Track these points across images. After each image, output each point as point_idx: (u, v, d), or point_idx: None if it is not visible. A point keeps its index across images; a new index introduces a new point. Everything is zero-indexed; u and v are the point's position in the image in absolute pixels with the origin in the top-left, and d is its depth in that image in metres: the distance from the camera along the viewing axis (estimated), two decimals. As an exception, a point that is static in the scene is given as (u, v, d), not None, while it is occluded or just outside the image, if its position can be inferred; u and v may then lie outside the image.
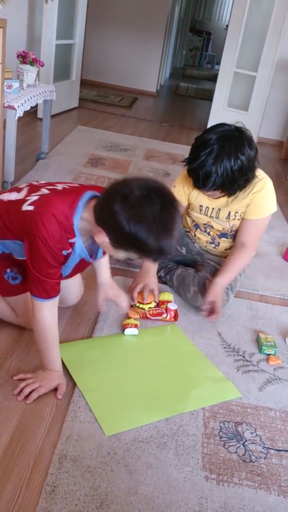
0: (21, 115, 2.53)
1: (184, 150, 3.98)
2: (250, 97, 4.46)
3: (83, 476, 1.11)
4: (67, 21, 4.17)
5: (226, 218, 1.80)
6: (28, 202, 1.27)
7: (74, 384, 1.38)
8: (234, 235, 1.86)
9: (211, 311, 1.71)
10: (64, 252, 1.27)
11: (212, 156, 1.54)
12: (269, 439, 1.32)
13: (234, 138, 1.58)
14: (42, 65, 2.93)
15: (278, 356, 1.64)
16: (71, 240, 1.26)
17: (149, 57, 6.30)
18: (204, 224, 1.88)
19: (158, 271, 1.99)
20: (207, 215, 1.83)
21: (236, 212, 1.78)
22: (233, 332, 1.74)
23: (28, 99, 2.61)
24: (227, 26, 4.60)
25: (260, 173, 1.72)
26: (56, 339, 1.33)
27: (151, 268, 1.82)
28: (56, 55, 3.97)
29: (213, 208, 1.80)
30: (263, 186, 1.73)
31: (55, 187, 1.36)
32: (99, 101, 5.25)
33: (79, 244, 1.29)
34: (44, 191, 1.32)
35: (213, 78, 4.85)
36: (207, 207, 1.81)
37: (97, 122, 4.39)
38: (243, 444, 1.29)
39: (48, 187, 1.35)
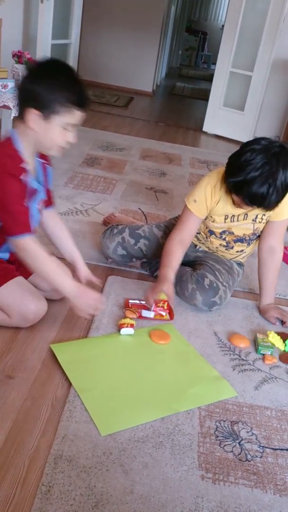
0: (17, 114, 2.52)
1: (180, 150, 3.99)
2: (246, 96, 4.47)
3: (79, 476, 1.11)
4: (62, 21, 4.17)
5: (252, 220, 1.77)
6: None
7: (70, 384, 1.37)
8: (250, 240, 1.85)
9: (284, 322, 1.83)
10: (22, 178, 1.36)
11: (269, 175, 1.49)
12: (265, 438, 1.32)
13: (283, 154, 1.52)
14: (38, 65, 2.92)
15: (274, 355, 1.64)
16: (22, 165, 1.36)
17: (145, 56, 6.31)
18: (222, 231, 1.82)
19: (154, 272, 1.99)
20: (233, 222, 1.77)
21: (264, 214, 1.75)
22: (229, 332, 1.74)
23: (23, 99, 2.60)
24: (223, 26, 4.61)
25: None
26: (55, 262, 1.44)
27: (168, 276, 1.72)
28: (52, 55, 3.97)
29: (239, 215, 1.75)
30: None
31: None
32: (95, 101, 5.25)
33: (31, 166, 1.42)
34: None
35: (209, 78, 4.87)
36: (233, 215, 1.76)
37: (93, 122, 4.38)
38: (239, 443, 1.29)
39: None
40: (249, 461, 1.24)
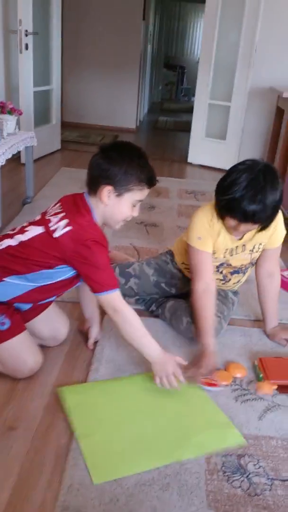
0: (4, 163, 2.58)
1: (167, 182, 4.06)
2: (226, 126, 4.58)
3: (87, 526, 1.09)
4: (43, 68, 4.30)
5: (250, 251, 1.80)
6: (54, 229, 1.40)
7: (72, 431, 1.36)
8: (246, 269, 1.88)
9: None
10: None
11: (258, 189, 1.51)
12: (273, 469, 1.30)
13: (268, 171, 1.56)
14: (21, 114, 3.01)
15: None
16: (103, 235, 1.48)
17: (126, 94, 6.49)
18: (220, 264, 1.83)
19: (149, 306, 2.00)
20: (231, 255, 1.79)
21: (260, 244, 1.78)
22: (227, 361, 1.73)
23: (9, 148, 2.67)
24: (199, 59, 4.76)
25: None
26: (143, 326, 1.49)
27: (209, 346, 1.66)
28: (35, 101, 4.08)
29: (236, 246, 1.77)
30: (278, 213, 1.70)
31: (50, 214, 1.48)
32: (81, 142, 5.36)
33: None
34: (53, 218, 1.44)
35: (191, 110, 4.99)
36: (232, 248, 1.77)
37: (80, 162, 4.46)
38: (246, 477, 1.27)
39: (48, 215, 1.48)
40: (258, 495, 1.22)
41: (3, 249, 1.46)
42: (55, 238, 1.40)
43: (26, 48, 3.83)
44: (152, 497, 1.18)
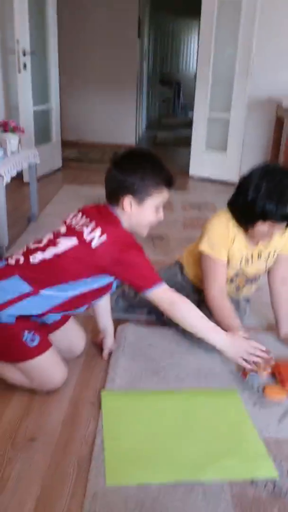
0: (9, 181, 2.61)
1: (170, 196, 4.06)
2: (226, 138, 4.64)
3: (114, 534, 1.08)
4: (41, 87, 4.37)
5: (265, 258, 1.82)
6: (90, 240, 1.41)
7: (93, 441, 1.36)
8: (259, 278, 1.89)
9: None
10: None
11: (285, 184, 1.57)
12: (296, 471, 1.30)
13: (281, 167, 1.64)
14: (23, 132, 3.05)
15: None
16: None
17: (125, 111, 6.58)
18: (235, 275, 1.84)
19: (162, 315, 2.00)
20: (247, 263, 1.80)
21: (275, 250, 1.81)
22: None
23: (13, 165, 2.71)
24: (195, 75, 4.84)
25: None
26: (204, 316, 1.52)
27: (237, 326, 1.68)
28: (35, 120, 4.14)
29: (252, 255, 1.79)
30: None
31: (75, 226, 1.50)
32: (81, 159, 5.42)
33: None
34: (85, 229, 1.44)
35: (188, 124, 5.05)
36: (248, 256, 1.79)
37: (82, 180, 4.51)
38: (270, 480, 1.26)
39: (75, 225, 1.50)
40: (283, 497, 1.22)
41: (37, 262, 1.45)
42: (93, 249, 1.40)
43: (25, 67, 3.90)
44: (177, 501, 1.18)
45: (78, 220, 1.49)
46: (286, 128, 3.80)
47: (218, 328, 1.53)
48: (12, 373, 1.52)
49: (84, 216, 1.50)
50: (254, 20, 4.16)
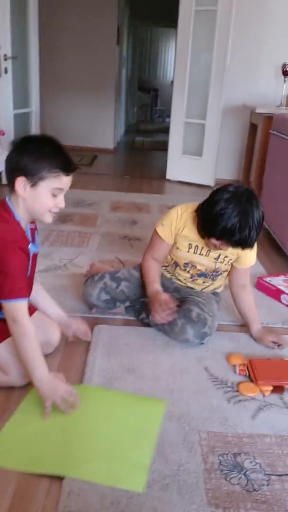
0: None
1: (147, 199, 4.13)
2: (202, 143, 4.71)
3: (90, 529, 1.09)
4: (22, 91, 4.37)
5: (215, 259, 1.88)
6: None
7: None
8: (213, 276, 1.95)
9: (280, 345, 1.90)
10: (26, 249, 1.47)
11: (248, 217, 1.62)
12: (269, 465, 1.32)
13: (251, 195, 1.67)
14: (3, 134, 3.05)
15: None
16: (24, 236, 1.47)
17: (103, 116, 6.61)
18: (185, 263, 1.94)
19: (139, 315, 2.02)
20: (195, 253, 1.89)
21: (226, 256, 1.87)
22: (219, 365, 1.77)
23: (-8, 167, 2.69)
24: (172, 82, 4.90)
25: None
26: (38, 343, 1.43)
27: (158, 290, 1.89)
28: (15, 124, 4.13)
29: (202, 247, 1.87)
30: None
31: None
32: (59, 162, 5.41)
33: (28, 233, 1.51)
34: None
35: (165, 130, 5.12)
36: (197, 245, 1.87)
37: (60, 182, 4.50)
38: (244, 474, 1.29)
39: None
40: (256, 490, 1.24)
41: None
42: None
43: (6, 72, 3.89)
44: (153, 498, 1.19)
45: None
46: (259, 134, 3.88)
47: (42, 364, 1.42)
48: None
49: None
50: (228, 29, 4.25)
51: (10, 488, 1.19)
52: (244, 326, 2.05)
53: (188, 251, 1.90)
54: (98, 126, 6.60)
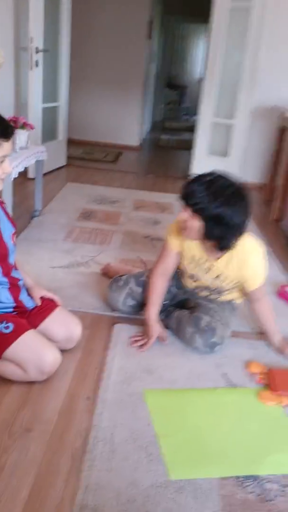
0: (17, 175, 2.64)
1: (171, 199, 4.13)
2: (230, 143, 4.68)
3: (105, 526, 1.11)
4: (51, 85, 4.40)
5: (216, 277, 1.86)
6: None
7: (87, 434, 1.39)
8: (218, 292, 1.93)
9: None
10: None
11: (213, 184, 1.63)
12: (285, 476, 1.33)
13: (241, 190, 1.68)
14: (32, 128, 3.08)
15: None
16: None
17: (130, 113, 6.60)
18: (191, 274, 1.92)
19: (161, 313, 2.03)
20: (196, 267, 1.87)
21: (227, 277, 1.84)
22: (237, 372, 1.77)
23: (22, 161, 2.73)
24: (200, 79, 4.87)
25: (251, 244, 1.79)
26: None
27: (152, 317, 1.90)
28: (43, 118, 4.17)
29: (204, 261, 1.83)
30: (257, 259, 1.81)
31: None
32: (85, 158, 5.44)
33: None
34: None
35: (191, 129, 5.09)
36: (199, 258, 1.84)
37: (86, 178, 4.54)
38: (258, 483, 1.30)
39: None
40: (271, 500, 1.25)
41: None
42: None
43: (37, 65, 3.93)
44: (168, 499, 1.21)
45: None
46: (288, 138, 3.84)
47: None
48: (5, 366, 1.55)
49: None
50: (262, 27, 4.21)
51: (29, 480, 1.22)
52: (263, 334, 2.04)
53: (191, 264, 1.88)
54: (124, 122, 6.61)
